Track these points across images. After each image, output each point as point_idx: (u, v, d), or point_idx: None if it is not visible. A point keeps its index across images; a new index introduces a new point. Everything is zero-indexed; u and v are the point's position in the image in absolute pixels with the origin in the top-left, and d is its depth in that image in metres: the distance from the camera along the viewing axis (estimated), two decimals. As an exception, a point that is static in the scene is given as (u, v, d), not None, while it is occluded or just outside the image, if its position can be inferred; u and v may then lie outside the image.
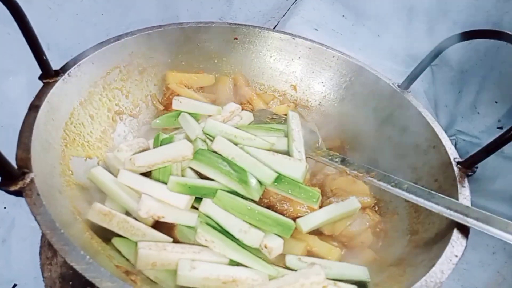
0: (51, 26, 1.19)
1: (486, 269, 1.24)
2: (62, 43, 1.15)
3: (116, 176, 0.73)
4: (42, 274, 0.71)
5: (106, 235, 0.67)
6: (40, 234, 0.81)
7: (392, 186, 0.77)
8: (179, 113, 0.92)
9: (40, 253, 0.75)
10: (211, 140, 0.80)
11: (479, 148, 0.73)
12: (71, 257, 0.49)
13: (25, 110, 0.66)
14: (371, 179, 0.80)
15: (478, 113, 1.36)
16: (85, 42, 0.87)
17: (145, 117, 0.99)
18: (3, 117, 1.13)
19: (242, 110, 0.99)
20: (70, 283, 0.69)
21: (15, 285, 1.15)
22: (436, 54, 0.87)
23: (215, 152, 0.78)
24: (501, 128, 1.32)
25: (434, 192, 0.72)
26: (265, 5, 1.59)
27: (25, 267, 1.14)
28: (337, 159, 0.86)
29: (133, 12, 1.31)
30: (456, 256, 0.62)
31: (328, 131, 1.06)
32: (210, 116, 0.92)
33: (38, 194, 0.53)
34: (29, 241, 1.16)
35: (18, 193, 0.53)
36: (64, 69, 0.76)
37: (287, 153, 0.84)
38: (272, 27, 1.65)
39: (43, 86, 0.71)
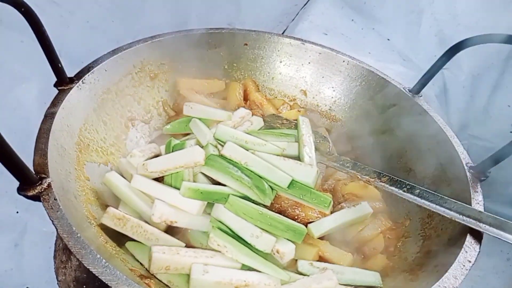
0: (63, 33, 1.20)
1: (501, 275, 1.23)
2: (73, 50, 1.17)
3: (129, 181, 0.74)
4: (57, 278, 0.72)
5: (119, 239, 0.68)
6: (53, 239, 0.82)
7: (404, 191, 0.76)
8: (190, 119, 0.93)
9: (55, 257, 0.76)
10: (222, 146, 0.81)
11: (491, 153, 0.73)
12: (88, 260, 0.50)
13: (38, 116, 0.67)
14: (382, 184, 0.80)
15: (491, 117, 1.35)
16: (96, 49, 0.89)
17: (156, 123, 1.00)
18: (16, 123, 1.14)
19: (252, 115, 0.99)
20: (84, 286, 0.70)
21: (27, 288, 1.16)
22: (448, 58, 0.87)
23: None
24: (513, 132, 1.31)
25: (446, 197, 0.71)
26: (274, 10, 1.59)
27: (37, 271, 1.16)
28: (348, 164, 0.86)
29: (143, 19, 1.33)
30: (470, 261, 0.62)
31: (339, 136, 1.06)
32: (220, 121, 0.93)
33: (55, 199, 0.54)
34: (41, 245, 1.17)
35: (36, 198, 0.54)
36: (78, 76, 0.77)
37: (298, 158, 0.84)
38: (281, 32, 1.65)
39: (58, 93, 0.73)
